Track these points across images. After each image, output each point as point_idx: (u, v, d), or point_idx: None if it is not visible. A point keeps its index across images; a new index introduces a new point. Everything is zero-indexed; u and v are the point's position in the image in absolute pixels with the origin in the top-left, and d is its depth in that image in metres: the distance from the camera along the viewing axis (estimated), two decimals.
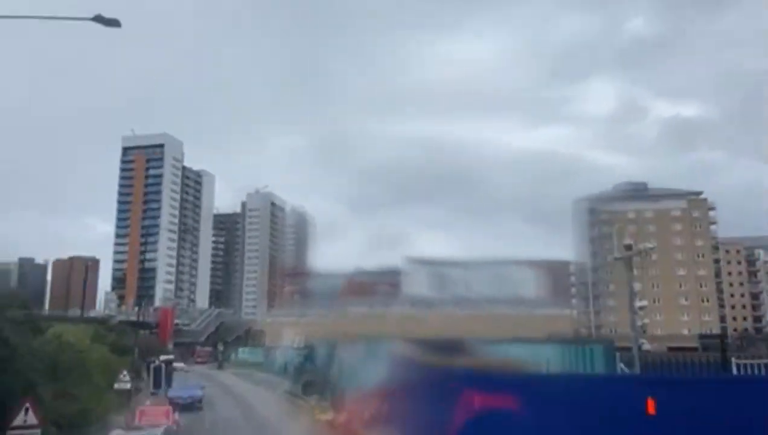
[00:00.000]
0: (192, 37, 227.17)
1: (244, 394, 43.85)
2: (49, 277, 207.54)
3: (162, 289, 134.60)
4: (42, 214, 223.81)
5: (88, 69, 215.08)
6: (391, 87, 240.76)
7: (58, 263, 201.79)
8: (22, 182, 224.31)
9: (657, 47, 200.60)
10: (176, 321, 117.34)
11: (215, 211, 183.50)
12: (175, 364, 45.24)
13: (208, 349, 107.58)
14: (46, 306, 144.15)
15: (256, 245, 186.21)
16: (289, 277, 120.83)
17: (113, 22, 14.09)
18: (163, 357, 61.05)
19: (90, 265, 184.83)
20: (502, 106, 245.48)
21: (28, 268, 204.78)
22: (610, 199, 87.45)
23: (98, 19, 13.96)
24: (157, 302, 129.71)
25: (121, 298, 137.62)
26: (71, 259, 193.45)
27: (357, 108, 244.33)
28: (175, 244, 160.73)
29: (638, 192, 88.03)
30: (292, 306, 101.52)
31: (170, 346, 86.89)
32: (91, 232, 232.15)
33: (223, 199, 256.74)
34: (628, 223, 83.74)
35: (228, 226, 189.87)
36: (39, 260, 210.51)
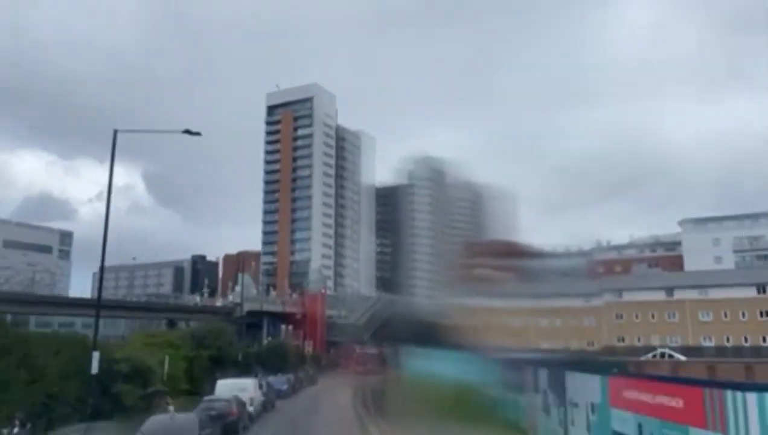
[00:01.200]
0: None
1: None
2: (220, 272, 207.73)
3: (316, 273, 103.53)
4: (217, 219, 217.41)
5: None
6: (561, 75, 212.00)
7: (227, 258, 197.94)
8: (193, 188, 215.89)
9: None
10: (329, 312, 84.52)
11: (378, 184, 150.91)
12: None
13: (373, 351, 72.65)
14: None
15: (428, 222, 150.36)
16: (497, 256, 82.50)
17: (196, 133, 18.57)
18: (221, 383, 25.32)
19: (254, 257, 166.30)
20: (684, 76, 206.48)
21: (201, 265, 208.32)
22: None
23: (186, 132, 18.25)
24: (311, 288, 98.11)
25: (271, 287, 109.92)
26: (239, 254, 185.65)
27: (529, 101, 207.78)
28: (331, 220, 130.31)
29: None
30: (512, 291, 63.03)
31: (307, 349, 52.42)
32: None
33: (381, 170, 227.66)
34: None
35: (394, 199, 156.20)
36: (211, 257, 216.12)
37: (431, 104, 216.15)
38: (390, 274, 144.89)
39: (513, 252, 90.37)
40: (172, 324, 70.85)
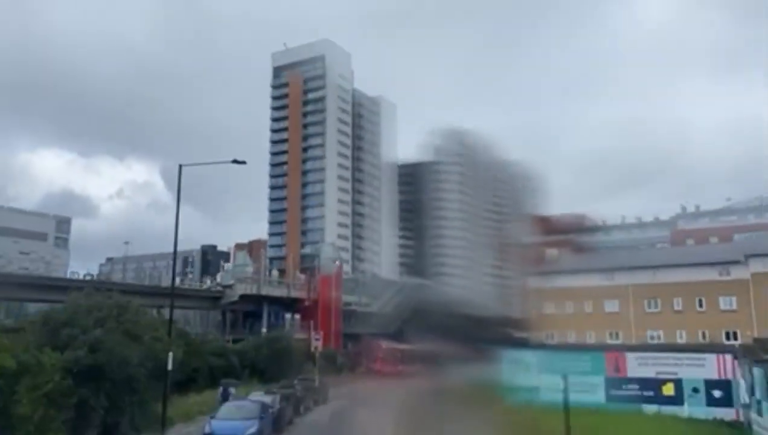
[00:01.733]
0: None
1: None
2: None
3: (330, 249, 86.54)
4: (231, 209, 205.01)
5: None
6: (580, 67, 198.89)
7: (239, 247, 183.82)
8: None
9: None
10: (346, 299, 67.83)
11: (399, 161, 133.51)
12: None
13: (403, 346, 56.17)
14: None
15: (457, 202, 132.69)
16: (565, 231, 66.00)
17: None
18: None
19: (265, 245, 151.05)
20: (701, 63, 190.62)
21: (211, 255, 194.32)
22: None
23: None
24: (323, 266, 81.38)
25: (281, 272, 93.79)
26: (251, 243, 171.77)
27: (545, 91, 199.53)
28: (348, 197, 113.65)
29: None
30: (598, 267, 46.50)
31: (314, 344, 35.52)
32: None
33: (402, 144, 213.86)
34: None
35: (419, 177, 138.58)
36: (222, 247, 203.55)
37: (446, 88, 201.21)
38: (415, 260, 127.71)
39: (582, 227, 73.38)
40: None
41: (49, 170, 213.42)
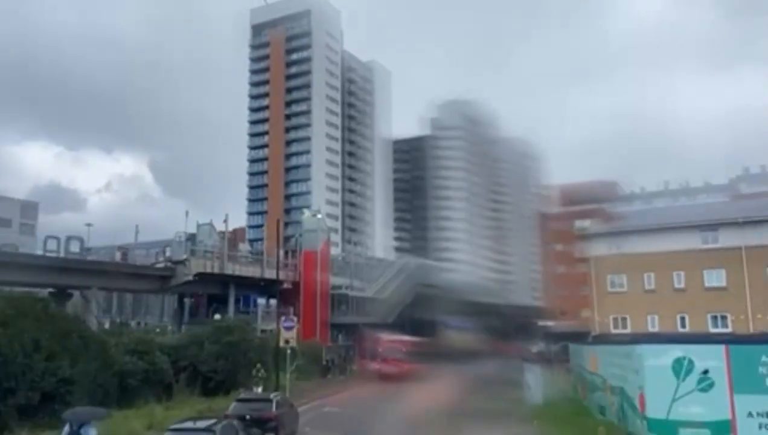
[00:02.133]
0: None
1: None
2: None
3: (315, 220, 73.59)
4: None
5: None
6: (571, 56, 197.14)
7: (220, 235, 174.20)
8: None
9: None
10: (335, 281, 54.86)
11: (395, 136, 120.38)
12: None
13: (410, 339, 43.85)
14: None
15: (462, 181, 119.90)
16: (595, 201, 54.01)
17: None
18: None
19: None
20: (691, 57, 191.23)
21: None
22: None
23: None
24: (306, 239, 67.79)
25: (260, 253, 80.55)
26: (235, 230, 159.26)
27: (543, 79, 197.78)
28: (338, 171, 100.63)
29: None
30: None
31: (285, 335, 22.00)
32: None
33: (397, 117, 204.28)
34: None
35: (416, 153, 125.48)
36: None
37: (444, 59, 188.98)
38: (414, 243, 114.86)
39: (612, 194, 62.22)
40: (62, 295, 41.47)
41: (37, 164, 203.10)
